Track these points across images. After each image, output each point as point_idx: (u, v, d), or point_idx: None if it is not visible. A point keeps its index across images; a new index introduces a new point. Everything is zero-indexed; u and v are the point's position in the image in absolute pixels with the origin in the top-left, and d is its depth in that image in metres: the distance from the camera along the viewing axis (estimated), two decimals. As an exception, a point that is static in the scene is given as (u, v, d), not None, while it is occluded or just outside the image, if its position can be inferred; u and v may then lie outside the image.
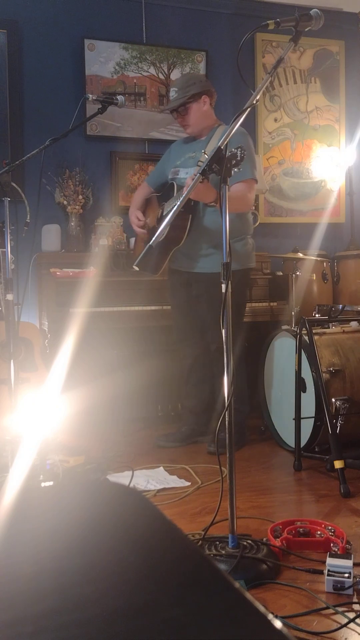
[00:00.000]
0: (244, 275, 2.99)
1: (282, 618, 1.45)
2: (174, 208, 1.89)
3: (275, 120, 4.35)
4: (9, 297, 2.44)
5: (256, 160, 3.20)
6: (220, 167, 1.76)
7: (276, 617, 1.39)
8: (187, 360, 3.16)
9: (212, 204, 2.56)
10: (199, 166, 2.82)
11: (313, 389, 2.74)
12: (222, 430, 1.74)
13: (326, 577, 1.62)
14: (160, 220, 2.98)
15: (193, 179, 1.87)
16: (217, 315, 2.86)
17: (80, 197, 3.70)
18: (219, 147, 1.75)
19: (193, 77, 3.04)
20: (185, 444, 3.09)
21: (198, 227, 2.84)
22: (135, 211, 3.16)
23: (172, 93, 2.95)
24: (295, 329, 2.89)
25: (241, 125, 1.86)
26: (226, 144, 1.77)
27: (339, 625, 1.44)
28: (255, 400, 3.31)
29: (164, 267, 2.97)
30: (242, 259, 2.94)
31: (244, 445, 3.07)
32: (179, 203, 1.89)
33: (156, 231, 2.95)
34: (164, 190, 3.06)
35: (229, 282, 1.78)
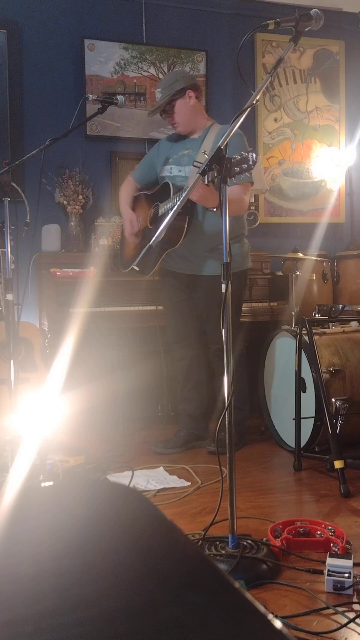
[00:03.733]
0: (242, 277, 2.98)
1: (282, 618, 1.45)
2: (174, 208, 1.88)
3: (275, 120, 4.35)
4: (9, 297, 2.44)
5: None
6: (220, 167, 1.75)
7: (276, 617, 1.39)
8: (182, 362, 3.12)
9: (214, 208, 2.54)
10: (196, 165, 2.80)
11: (313, 389, 2.74)
12: (222, 430, 1.75)
13: (326, 577, 1.62)
14: (154, 221, 2.95)
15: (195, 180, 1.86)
16: (217, 316, 2.87)
17: (80, 197, 3.70)
18: (219, 147, 1.75)
19: (176, 74, 2.97)
20: (184, 450, 3.04)
21: (196, 229, 2.82)
22: (131, 214, 3.06)
23: (157, 94, 2.90)
24: (295, 329, 2.89)
25: (241, 125, 1.86)
26: (226, 144, 1.76)
27: (339, 625, 1.44)
28: (255, 400, 3.31)
29: (156, 268, 2.94)
30: (241, 261, 2.94)
31: (245, 445, 3.07)
32: (178, 203, 1.88)
33: (149, 232, 2.95)
34: (157, 190, 3.00)
35: (229, 282, 1.78)
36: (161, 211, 2.88)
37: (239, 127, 1.85)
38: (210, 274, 2.86)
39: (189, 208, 2.77)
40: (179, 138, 3.01)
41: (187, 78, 2.92)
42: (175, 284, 3.04)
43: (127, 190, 3.19)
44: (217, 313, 2.86)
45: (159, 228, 2.80)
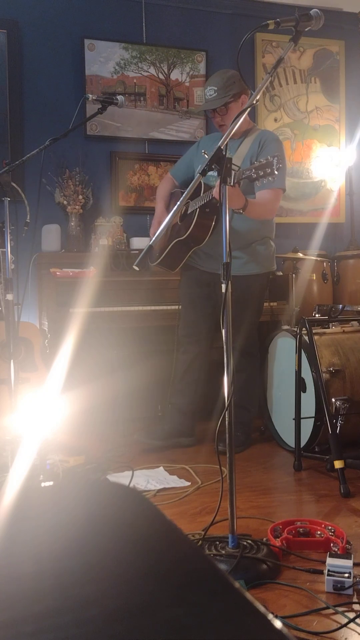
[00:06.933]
0: (266, 278, 3.04)
1: (282, 618, 1.45)
2: (197, 209, 1.87)
3: (275, 120, 4.35)
4: (9, 297, 2.44)
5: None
6: (220, 167, 1.75)
7: (276, 617, 1.39)
8: (185, 356, 3.11)
9: (239, 210, 2.50)
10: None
11: (313, 389, 2.74)
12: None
13: (326, 577, 1.62)
14: (183, 218, 2.94)
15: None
16: (244, 317, 2.88)
17: (80, 197, 3.70)
18: (219, 147, 1.75)
19: (232, 76, 2.91)
20: (166, 444, 3.01)
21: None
22: (159, 213, 3.13)
23: (210, 92, 2.86)
24: (295, 329, 2.89)
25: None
26: (226, 144, 1.76)
27: (339, 625, 1.44)
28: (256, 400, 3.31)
29: (182, 264, 2.99)
30: (265, 262, 2.98)
31: (250, 445, 3.09)
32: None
33: (177, 228, 2.96)
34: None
35: (229, 282, 1.77)
36: (190, 209, 2.88)
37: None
38: (236, 274, 2.86)
39: (217, 207, 2.72)
40: (218, 138, 3.00)
41: (242, 83, 2.89)
42: (195, 279, 3.05)
43: (164, 187, 3.24)
44: (244, 313, 2.88)
45: (186, 225, 2.84)
